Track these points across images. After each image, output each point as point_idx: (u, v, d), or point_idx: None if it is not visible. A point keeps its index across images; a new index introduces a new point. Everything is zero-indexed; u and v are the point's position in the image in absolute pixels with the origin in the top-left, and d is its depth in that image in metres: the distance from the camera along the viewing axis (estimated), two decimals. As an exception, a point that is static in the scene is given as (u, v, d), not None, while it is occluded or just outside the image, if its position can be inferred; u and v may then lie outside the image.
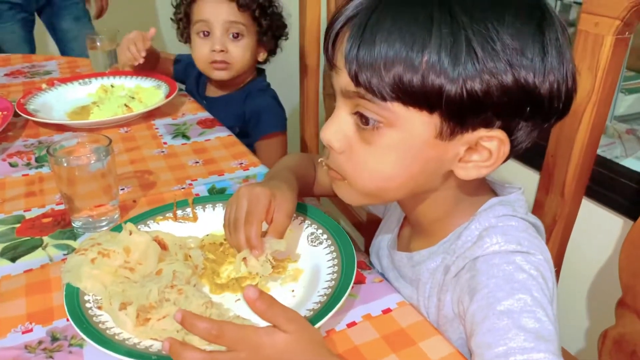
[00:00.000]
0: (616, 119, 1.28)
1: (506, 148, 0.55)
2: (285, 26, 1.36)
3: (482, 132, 0.54)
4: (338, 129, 0.58)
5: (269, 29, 1.32)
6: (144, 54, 1.31)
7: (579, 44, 0.77)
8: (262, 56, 1.36)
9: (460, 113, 0.52)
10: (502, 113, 0.53)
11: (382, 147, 0.56)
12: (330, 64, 0.58)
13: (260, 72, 1.44)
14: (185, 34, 1.37)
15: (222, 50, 1.28)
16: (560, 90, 0.53)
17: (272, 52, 1.38)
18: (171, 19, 1.39)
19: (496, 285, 0.54)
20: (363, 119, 0.56)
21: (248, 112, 1.34)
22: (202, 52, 1.30)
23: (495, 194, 0.66)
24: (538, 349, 0.48)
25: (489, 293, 0.53)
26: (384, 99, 0.52)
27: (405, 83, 0.51)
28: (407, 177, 0.58)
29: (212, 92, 1.43)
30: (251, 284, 0.61)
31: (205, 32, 1.29)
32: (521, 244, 0.57)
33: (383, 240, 0.78)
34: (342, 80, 0.55)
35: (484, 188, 0.66)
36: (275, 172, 0.79)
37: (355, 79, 0.53)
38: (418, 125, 0.54)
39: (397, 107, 0.53)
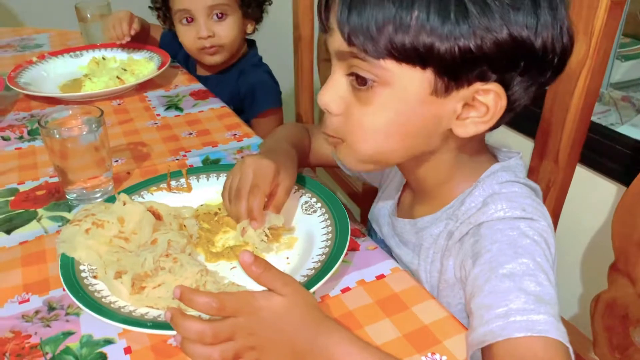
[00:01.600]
0: (612, 86, 1.27)
1: (503, 102, 0.54)
2: None
3: (477, 86, 0.53)
4: (334, 92, 0.58)
5: (252, 0, 1.29)
6: (128, 38, 1.29)
7: (574, 8, 0.76)
8: (250, 28, 1.34)
9: (453, 69, 0.52)
10: (496, 67, 0.52)
11: (378, 106, 0.56)
12: (324, 27, 0.57)
13: (252, 45, 1.41)
14: (167, 22, 1.34)
15: (209, 36, 1.25)
16: (555, 45, 0.53)
17: (258, 20, 1.35)
18: (149, 7, 1.36)
19: (499, 249, 0.54)
20: (359, 79, 0.56)
21: (243, 90, 1.32)
22: (188, 39, 1.28)
23: (495, 157, 0.66)
24: (538, 311, 0.48)
25: (492, 257, 0.54)
26: (376, 57, 0.52)
27: (396, 42, 0.51)
28: (404, 136, 0.57)
29: (203, 71, 1.40)
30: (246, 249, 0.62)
31: (189, 19, 1.26)
32: (525, 210, 0.57)
33: (383, 208, 0.78)
34: (336, 41, 0.55)
35: (484, 151, 0.65)
36: (274, 143, 0.79)
37: (349, 41, 0.53)
38: (412, 82, 0.53)
39: (390, 65, 0.53)
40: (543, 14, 0.51)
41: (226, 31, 1.27)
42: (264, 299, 0.49)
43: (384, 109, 0.56)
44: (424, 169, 0.64)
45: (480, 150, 0.64)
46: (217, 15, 1.25)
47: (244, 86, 1.32)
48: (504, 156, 0.65)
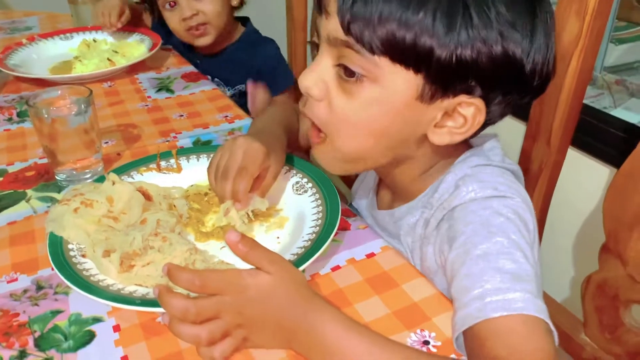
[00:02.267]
0: (606, 70, 1.27)
1: (482, 117, 0.55)
2: None
3: (462, 98, 0.54)
4: (317, 76, 0.58)
5: None
6: (119, 25, 1.28)
7: (567, -12, 0.75)
8: (235, 1, 1.31)
9: (445, 77, 0.52)
10: (485, 82, 0.53)
11: (363, 100, 0.56)
12: (320, 8, 0.56)
13: (245, 21, 1.39)
14: (155, 12, 1.32)
15: (193, 15, 1.23)
16: (542, 70, 0.55)
17: None
18: (136, 2, 1.35)
19: (473, 230, 0.54)
20: (347, 72, 0.55)
21: (259, 65, 1.30)
22: (174, 23, 1.26)
23: (469, 145, 0.66)
24: (514, 289, 0.48)
25: (467, 239, 0.54)
26: (372, 52, 0.52)
27: (397, 40, 0.51)
28: (382, 136, 0.58)
29: (204, 49, 1.38)
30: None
31: (171, 3, 1.24)
32: (497, 188, 0.57)
33: (362, 200, 0.78)
34: (331, 26, 0.54)
35: (461, 148, 0.65)
36: (265, 125, 0.78)
37: (347, 29, 0.52)
38: (401, 83, 0.54)
39: (384, 62, 0.53)
40: (538, 39, 0.53)
41: (209, 6, 1.24)
42: (250, 277, 0.49)
43: (368, 103, 0.56)
44: (399, 170, 0.64)
45: (457, 148, 0.64)
46: None
47: (259, 61, 1.30)
48: (477, 142, 0.65)
